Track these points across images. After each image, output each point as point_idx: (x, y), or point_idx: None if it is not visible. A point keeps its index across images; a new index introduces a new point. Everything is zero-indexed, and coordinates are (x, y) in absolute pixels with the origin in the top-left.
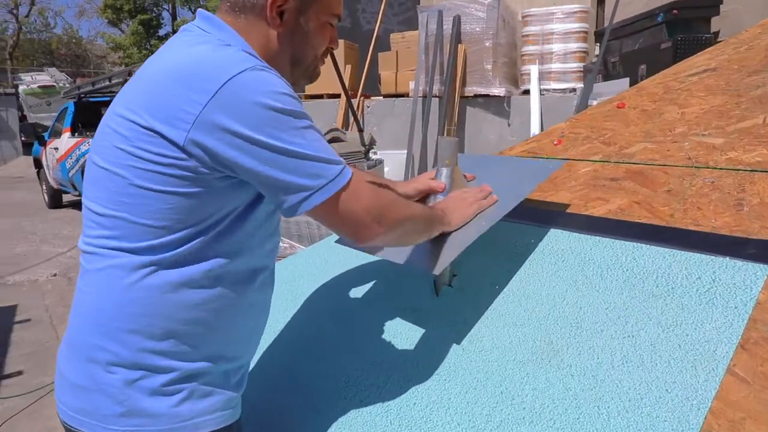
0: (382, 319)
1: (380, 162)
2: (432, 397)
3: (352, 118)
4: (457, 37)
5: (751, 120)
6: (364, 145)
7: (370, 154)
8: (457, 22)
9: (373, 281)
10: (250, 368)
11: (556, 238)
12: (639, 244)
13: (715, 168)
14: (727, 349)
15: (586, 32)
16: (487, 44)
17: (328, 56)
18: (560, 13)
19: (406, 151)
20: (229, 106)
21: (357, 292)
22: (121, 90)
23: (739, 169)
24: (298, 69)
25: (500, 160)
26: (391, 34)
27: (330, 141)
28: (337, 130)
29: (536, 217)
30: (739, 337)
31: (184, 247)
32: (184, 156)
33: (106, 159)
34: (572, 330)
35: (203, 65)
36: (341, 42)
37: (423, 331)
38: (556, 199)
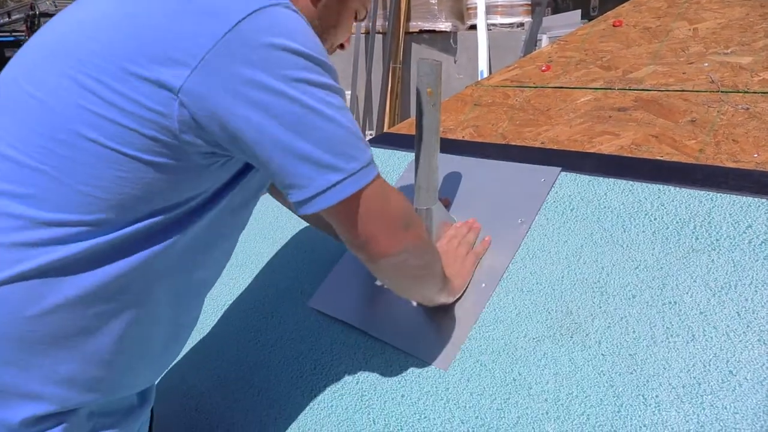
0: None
1: None
2: (424, 387)
3: None
4: None
5: None
6: None
7: None
8: None
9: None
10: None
11: (559, 182)
12: (665, 186)
13: (747, 92)
14: None
15: None
16: None
17: None
18: None
19: (350, 92)
20: (247, 47)
21: (317, 252)
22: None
23: None
24: None
25: (480, 167)
26: None
27: None
28: None
29: (526, 155)
30: None
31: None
32: (167, 110)
33: (46, 89)
34: (595, 296)
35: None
36: None
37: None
38: (552, 135)
